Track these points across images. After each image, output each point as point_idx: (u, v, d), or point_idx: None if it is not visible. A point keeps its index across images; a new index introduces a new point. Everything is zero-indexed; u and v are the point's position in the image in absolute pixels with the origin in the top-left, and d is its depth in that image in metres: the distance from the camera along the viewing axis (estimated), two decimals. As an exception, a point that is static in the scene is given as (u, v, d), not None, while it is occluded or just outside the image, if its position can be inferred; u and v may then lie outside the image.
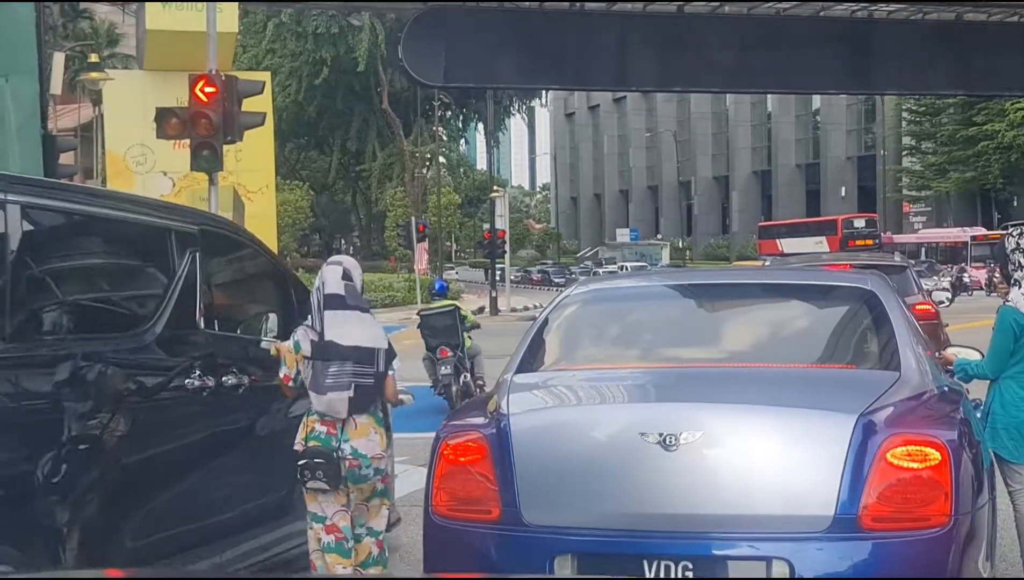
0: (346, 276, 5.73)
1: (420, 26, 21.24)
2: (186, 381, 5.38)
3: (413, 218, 45.68)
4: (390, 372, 5.76)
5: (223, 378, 5.62)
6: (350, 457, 5.61)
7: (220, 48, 15.75)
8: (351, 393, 5.61)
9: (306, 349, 5.67)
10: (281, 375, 5.75)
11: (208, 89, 13.28)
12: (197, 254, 5.65)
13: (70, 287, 5.07)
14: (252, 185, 24.57)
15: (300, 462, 5.60)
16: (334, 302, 5.68)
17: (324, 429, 5.63)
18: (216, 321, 6.00)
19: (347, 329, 5.64)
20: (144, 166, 24.56)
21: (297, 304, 6.61)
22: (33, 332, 4.68)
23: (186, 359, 5.40)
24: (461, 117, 65.47)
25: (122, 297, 5.26)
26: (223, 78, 13.66)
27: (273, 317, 6.50)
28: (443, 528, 4.59)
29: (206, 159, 13.43)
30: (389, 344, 5.80)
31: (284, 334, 6.14)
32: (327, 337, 5.63)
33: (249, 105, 14.21)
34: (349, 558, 5.65)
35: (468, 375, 14.13)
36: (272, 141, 26.84)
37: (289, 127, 54.87)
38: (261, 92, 15.22)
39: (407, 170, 55.15)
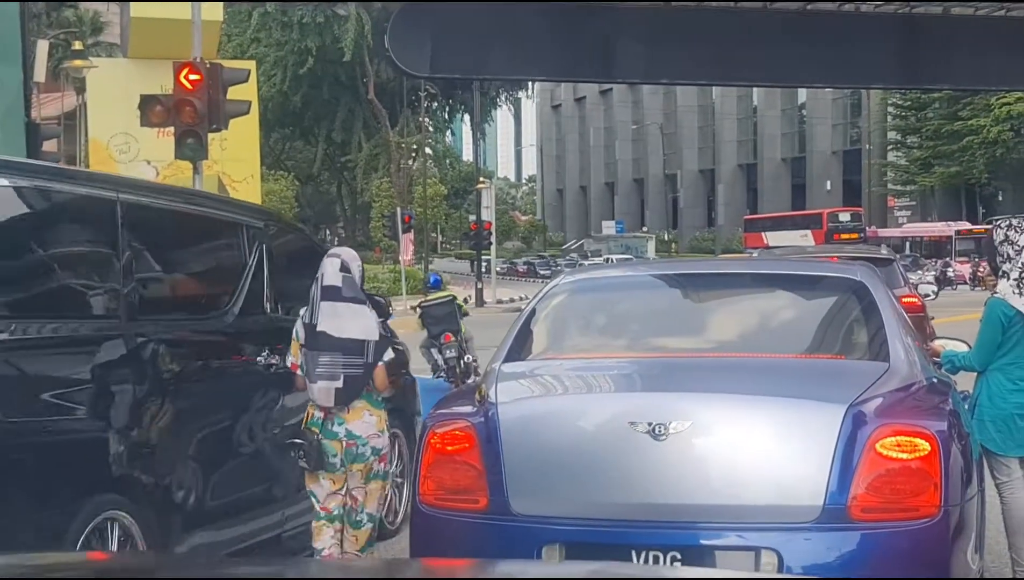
0: (344, 268, 5.85)
1: (406, 16, 21.14)
2: (257, 358, 6.20)
3: (399, 209, 45.54)
4: (380, 363, 5.83)
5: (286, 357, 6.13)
6: (346, 438, 5.79)
7: (205, 36, 15.67)
8: (340, 383, 5.74)
9: (301, 338, 5.88)
10: (289, 363, 5.99)
11: (193, 77, 13.22)
12: (263, 245, 6.40)
13: (169, 276, 5.90)
14: (237, 175, 24.44)
15: (287, 443, 5.98)
16: (331, 293, 5.80)
17: (320, 414, 5.85)
18: (278, 305, 6.67)
19: (341, 321, 5.76)
20: (128, 155, 24.41)
21: None
22: (141, 313, 5.44)
23: (257, 339, 6.24)
24: (447, 108, 65.33)
25: (207, 284, 5.89)
26: (208, 66, 13.60)
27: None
28: (430, 517, 4.57)
29: (191, 147, 13.37)
30: (381, 336, 5.89)
31: None
32: (320, 328, 5.77)
33: (234, 94, 14.15)
34: (333, 525, 5.95)
35: (469, 357, 14.99)
36: (257, 130, 26.68)
37: (274, 117, 54.69)
38: (246, 81, 15.15)
39: (393, 161, 55.06)
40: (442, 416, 4.76)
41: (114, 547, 4.87)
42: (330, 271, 5.84)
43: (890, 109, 71.19)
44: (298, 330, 5.91)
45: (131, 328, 5.32)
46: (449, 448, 4.53)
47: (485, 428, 4.48)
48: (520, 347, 5.26)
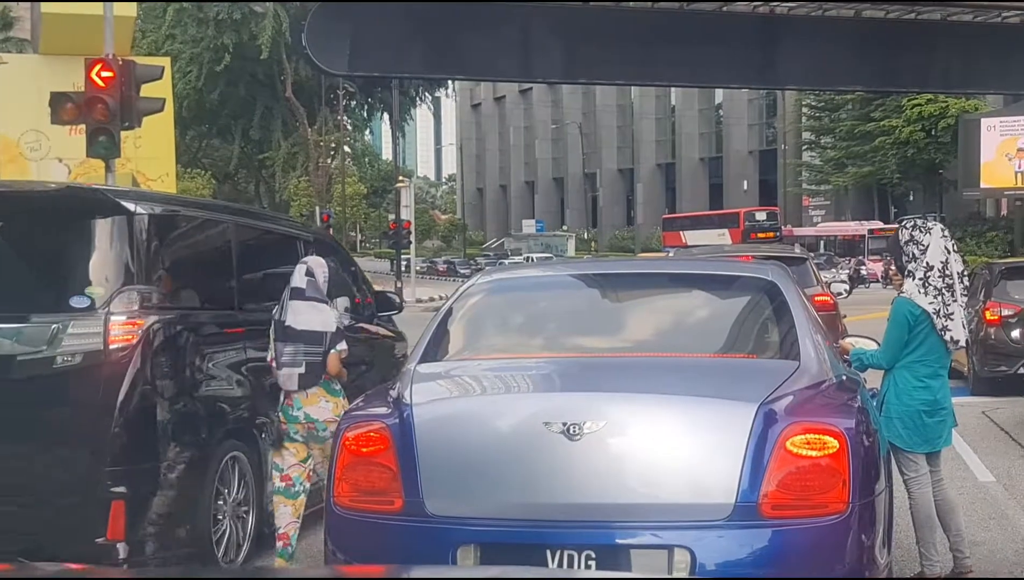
0: (309, 273, 6.71)
1: (324, 13, 21.03)
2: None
3: (317, 208, 45.23)
4: (333, 351, 6.55)
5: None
6: (305, 421, 6.52)
7: (118, 32, 15.42)
8: (302, 369, 6.50)
9: (271, 333, 6.71)
10: (268, 358, 6.68)
11: (105, 74, 13.01)
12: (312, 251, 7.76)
13: (258, 276, 7.51)
14: (151, 173, 24.05)
15: (255, 424, 6.92)
16: (297, 294, 6.63)
17: (283, 399, 6.66)
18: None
19: (304, 316, 6.55)
20: (39, 152, 23.91)
21: (359, 291, 9.05)
22: (242, 304, 7.09)
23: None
24: (366, 106, 64.82)
25: (281, 282, 6.92)
26: (120, 63, 13.38)
27: (342, 299, 7.71)
28: (345, 519, 4.54)
29: (103, 145, 13.15)
30: (337, 328, 6.70)
31: (353, 311, 8.20)
32: (287, 322, 6.58)
33: (148, 91, 13.95)
34: (292, 500, 6.58)
35: None
36: (172, 128, 26.26)
37: (190, 114, 53.89)
38: (160, 78, 14.94)
39: (311, 159, 54.61)
40: (357, 417, 4.74)
41: (235, 476, 6.61)
42: (297, 275, 6.68)
43: (804, 110, 72.25)
44: (271, 330, 6.72)
45: (241, 315, 6.99)
46: (364, 450, 4.51)
47: (400, 429, 4.46)
48: (436, 347, 5.25)
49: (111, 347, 5.71)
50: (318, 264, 6.82)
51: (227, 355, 6.77)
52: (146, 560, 5.82)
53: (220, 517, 6.43)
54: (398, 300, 9.85)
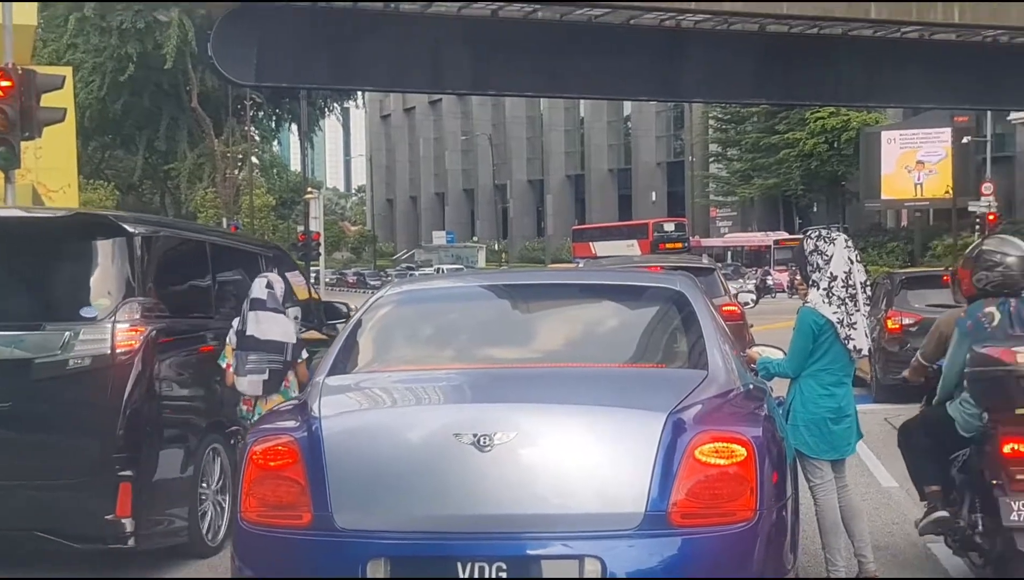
0: (269, 285, 7.40)
1: (231, 23, 20.81)
2: None
3: (225, 219, 44.69)
4: (299, 360, 7.35)
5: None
6: None
7: (17, 41, 15.11)
8: (266, 376, 7.17)
9: (233, 343, 7.32)
10: (223, 365, 7.35)
11: (4, 83, 12.77)
12: (273, 267, 8.58)
13: (227, 288, 8.24)
14: (53, 184, 23.57)
15: (227, 431, 7.49)
16: (258, 305, 7.29)
17: (245, 407, 7.33)
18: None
19: (265, 326, 7.18)
20: (-65, 163, 23.30)
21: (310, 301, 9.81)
22: (217, 312, 7.89)
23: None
24: (274, 117, 64.18)
25: (238, 295, 7.83)
26: (20, 72, 13.13)
27: (293, 309, 8.02)
28: (253, 535, 4.47)
29: (2, 156, 12.93)
30: (298, 339, 7.41)
31: (305, 319, 8.73)
32: (248, 332, 7.21)
33: (49, 101, 13.69)
34: None
35: None
36: (74, 139, 25.79)
37: (93, 124, 52.92)
38: (61, 87, 14.67)
39: (218, 171, 53.94)
40: (264, 431, 4.67)
41: (216, 466, 7.35)
42: (257, 288, 7.38)
43: (711, 122, 73.26)
44: (231, 337, 7.36)
45: (218, 322, 7.74)
46: (271, 464, 4.45)
47: (308, 443, 4.41)
48: (345, 359, 5.21)
49: (117, 351, 6.56)
50: (276, 279, 7.51)
51: (208, 356, 7.55)
52: (149, 535, 6.62)
53: (204, 498, 7.18)
54: (346, 309, 10.37)
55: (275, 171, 72.82)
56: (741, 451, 4.28)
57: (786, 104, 51.72)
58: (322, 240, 45.55)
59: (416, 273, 59.38)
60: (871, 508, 7.86)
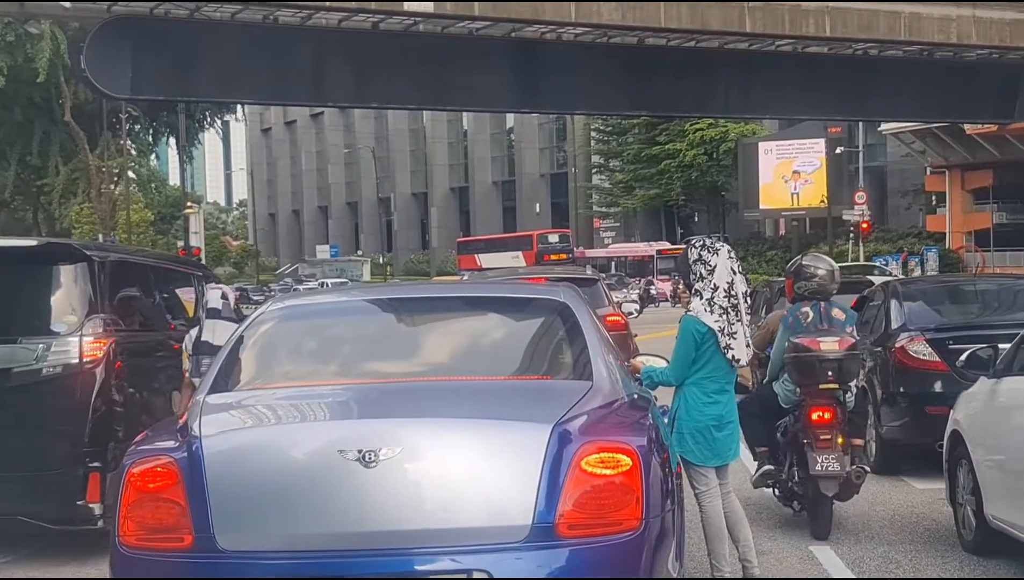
0: (224, 296, 8.24)
1: (104, 35, 20.33)
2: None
3: (101, 235, 43.64)
4: None
5: None
6: None
7: None
8: None
9: (189, 348, 8.02)
10: (184, 369, 8.12)
11: None
12: (203, 284, 9.81)
13: (171, 304, 9.75)
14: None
15: None
16: (213, 313, 8.09)
17: None
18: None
19: (220, 333, 7.55)
20: None
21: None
22: (162, 326, 9.30)
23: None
24: (152, 131, 62.92)
25: (186, 307, 9.67)
26: None
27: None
28: (131, 559, 4.35)
29: None
30: None
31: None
32: (204, 338, 7.87)
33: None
34: None
35: None
36: (-59, 154, 24.97)
37: (-39, 140, 51.41)
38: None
39: (93, 186, 52.68)
40: (142, 452, 4.55)
41: None
42: (213, 298, 8.20)
43: (593, 134, 74.04)
44: (186, 344, 8.15)
45: (165, 334, 9.09)
46: (150, 485, 4.33)
47: (188, 463, 4.31)
48: (226, 377, 5.11)
49: (84, 360, 7.63)
50: (229, 290, 8.52)
51: (159, 362, 8.79)
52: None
53: None
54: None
55: (153, 186, 71.26)
56: (626, 461, 4.30)
57: (666, 116, 52.57)
58: (203, 255, 44.81)
59: (300, 288, 58.77)
60: (753, 512, 7.98)
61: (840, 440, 7.43)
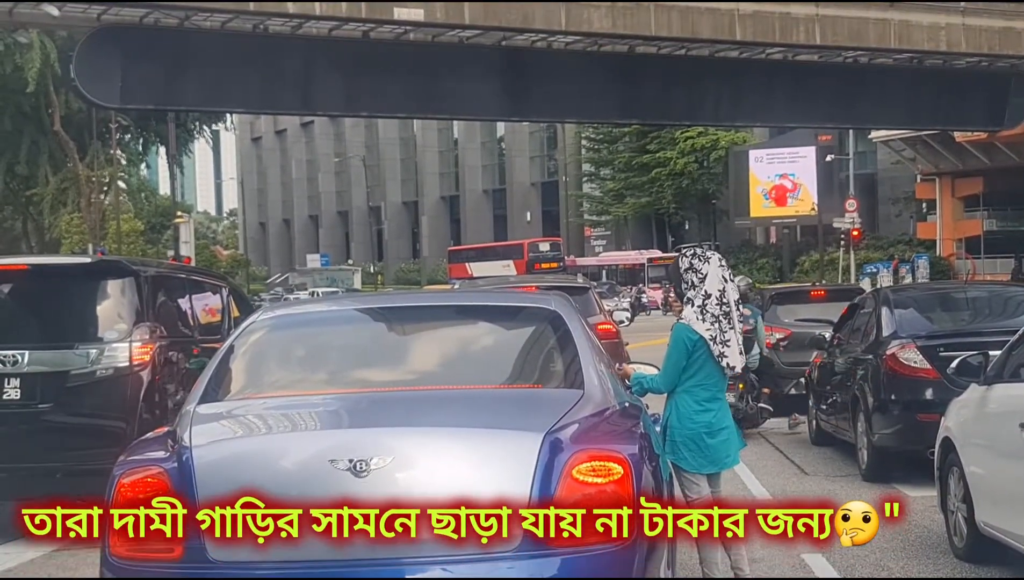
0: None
1: (94, 44, 20.32)
2: None
3: (91, 245, 43.54)
4: None
5: None
6: None
7: None
8: None
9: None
10: None
11: None
12: (229, 295, 11.42)
13: (202, 312, 10.74)
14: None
15: None
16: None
17: None
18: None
19: None
20: None
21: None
22: (198, 332, 10.34)
23: None
24: (142, 140, 62.76)
25: (217, 315, 10.92)
26: None
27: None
28: (121, 570, 4.33)
29: None
30: None
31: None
32: None
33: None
34: None
35: None
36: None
37: (-50, 150, 51.23)
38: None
39: (83, 195, 52.56)
40: (132, 463, 4.53)
41: None
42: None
43: (584, 142, 74.08)
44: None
45: (199, 341, 10.00)
46: (140, 497, 4.31)
47: (179, 474, 4.29)
48: (216, 387, 5.09)
49: (134, 363, 8.69)
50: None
51: (196, 362, 9.36)
52: None
53: None
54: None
55: (143, 195, 71.15)
56: (618, 469, 4.29)
57: (657, 124, 52.65)
58: (193, 265, 44.71)
59: (290, 297, 58.67)
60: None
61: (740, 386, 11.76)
